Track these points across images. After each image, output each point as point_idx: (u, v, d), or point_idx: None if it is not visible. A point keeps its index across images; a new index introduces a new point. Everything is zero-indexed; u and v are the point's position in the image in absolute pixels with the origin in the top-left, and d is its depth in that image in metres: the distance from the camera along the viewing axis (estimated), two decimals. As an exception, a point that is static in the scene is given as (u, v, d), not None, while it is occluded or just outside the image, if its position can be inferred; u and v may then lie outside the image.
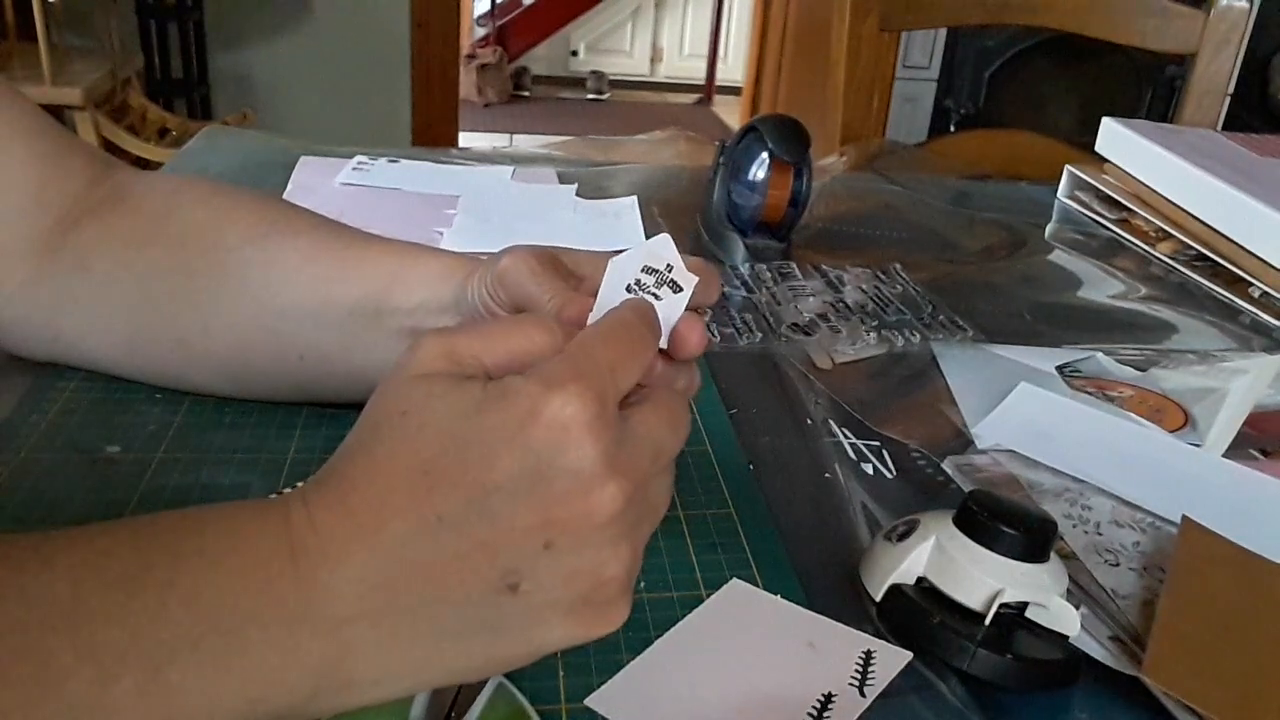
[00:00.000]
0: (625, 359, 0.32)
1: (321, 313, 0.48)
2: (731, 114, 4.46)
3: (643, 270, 0.37)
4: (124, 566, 0.28)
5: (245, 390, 0.53)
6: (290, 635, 0.28)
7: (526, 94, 4.55)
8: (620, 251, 0.37)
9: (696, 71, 4.80)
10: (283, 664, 0.28)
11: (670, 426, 0.33)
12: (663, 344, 0.37)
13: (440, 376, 0.31)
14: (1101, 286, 0.85)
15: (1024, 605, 0.41)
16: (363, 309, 0.48)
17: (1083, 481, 0.54)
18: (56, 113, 2.03)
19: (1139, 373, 0.68)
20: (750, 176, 0.78)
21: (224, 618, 0.27)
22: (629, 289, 0.37)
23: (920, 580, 0.43)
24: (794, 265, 0.79)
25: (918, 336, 0.70)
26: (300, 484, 0.31)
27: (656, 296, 0.37)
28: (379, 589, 0.29)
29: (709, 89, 4.79)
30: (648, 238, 0.38)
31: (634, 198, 0.89)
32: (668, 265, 0.37)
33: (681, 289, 0.37)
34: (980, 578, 0.41)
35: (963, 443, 0.58)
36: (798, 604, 0.44)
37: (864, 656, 0.41)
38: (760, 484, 0.52)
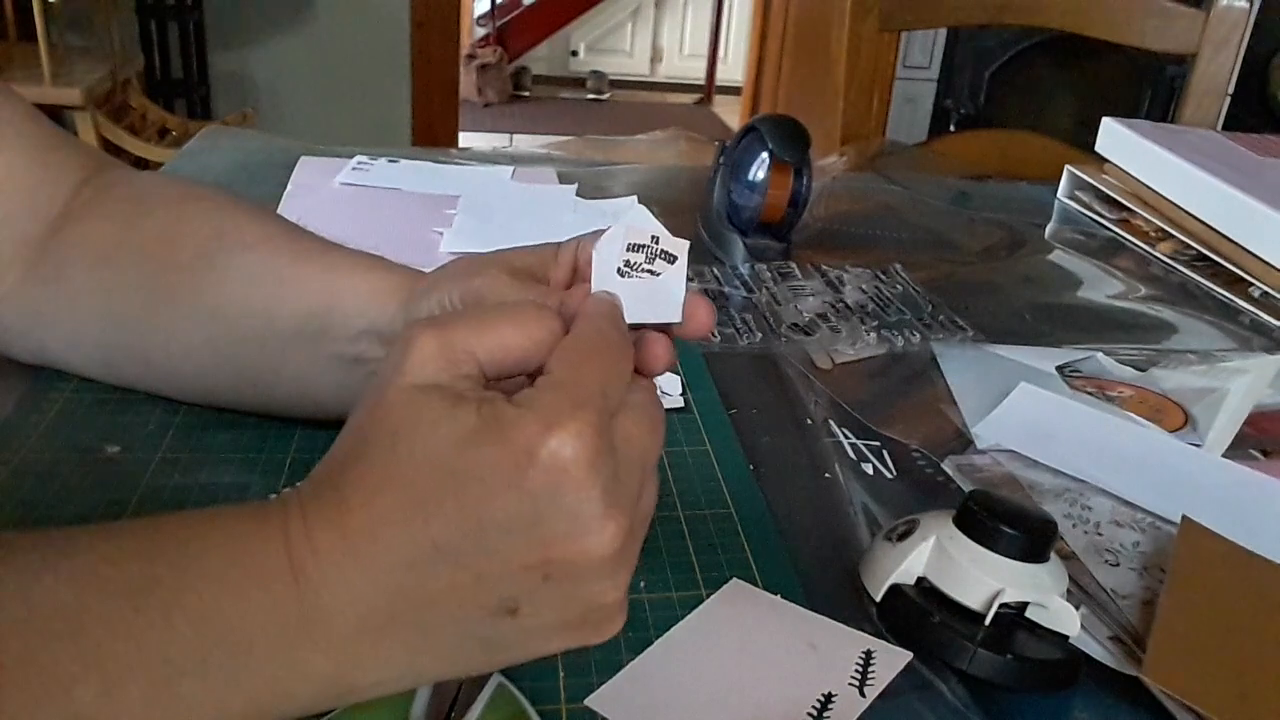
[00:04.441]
0: (613, 377, 0.32)
1: (265, 338, 0.47)
2: (731, 114, 4.46)
3: (629, 249, 0.34)
4: (127, 578, 0.28)
5: (218, 405, 0.52)
6: (294, 652, 0.29)
7: (526, 94, 4.55)
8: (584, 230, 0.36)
9: (696, 71, 4.80)
10: (288, 678, 0.29)
11: (652, 431, 0.32)
12: (676, 317, 0.35)
13: (433, 393, 0.30)
14: (1101, 286, 0.85)
15: (1024, 605, 0.41)
16: (304, 335, 0.46)
17: (1083, 481, 0.54)
18: (56, 113, 2.03)
19: (1139, 373, 0.68)
20: (750, 176, 0.78)
21: (230, 636, 0.28)
22: (620, 273, 0.34)
23: (920, 580, 0.43)
24: (794, 265, 0.79)
25: (918, 336, 0.70)
26: (299, 484, 0.31)
27: (652, 272, 0.35)
28: (378, 611, 0.29)
29: (709, 89, 4.79)
30: None
31: (634, 198, 0.89)
32: (653, 237, 0.35)
33: (676, 257, 0.35)
34: (980, 578, 0.41)
35: (963, 443, 0.58)
36: (798, 604, 0.44)
37: (864, 656, 0.41)
38: (760, 484, 0.52)
